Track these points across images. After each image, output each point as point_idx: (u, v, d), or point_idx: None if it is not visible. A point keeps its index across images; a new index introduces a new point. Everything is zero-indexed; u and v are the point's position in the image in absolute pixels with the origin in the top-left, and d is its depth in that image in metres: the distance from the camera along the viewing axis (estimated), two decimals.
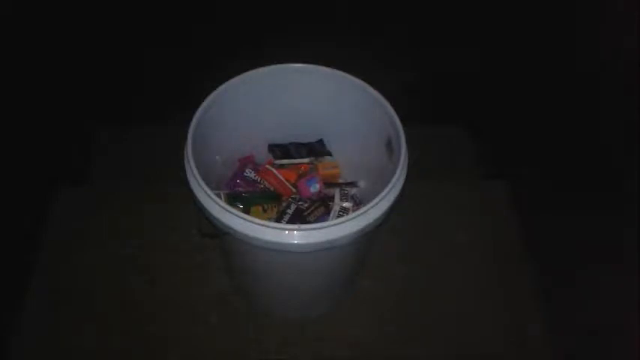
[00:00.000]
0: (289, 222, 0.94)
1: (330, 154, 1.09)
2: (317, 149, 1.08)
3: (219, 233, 0.83)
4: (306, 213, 0.96)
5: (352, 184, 1.05)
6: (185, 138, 0.83)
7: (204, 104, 0.88)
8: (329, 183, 1.05)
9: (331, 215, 0.97)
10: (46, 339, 1.07)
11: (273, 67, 0.94)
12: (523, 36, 1.52)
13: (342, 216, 0.94)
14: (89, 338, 1.07)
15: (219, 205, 0.76)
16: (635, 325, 0.93)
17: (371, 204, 0.77)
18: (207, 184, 0.79)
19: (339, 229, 0.75)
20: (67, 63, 1.49)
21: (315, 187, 1.02)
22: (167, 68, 1.55)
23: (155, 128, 1.41)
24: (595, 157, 1.22)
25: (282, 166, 1.07)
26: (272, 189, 1.03)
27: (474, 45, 1.61)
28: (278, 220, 0.95)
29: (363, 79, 0.92)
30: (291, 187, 1.04)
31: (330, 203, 0.99)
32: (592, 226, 1.15)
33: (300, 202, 0.99)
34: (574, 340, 1.09)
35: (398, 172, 0.81)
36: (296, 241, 0.75)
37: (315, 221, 0.95)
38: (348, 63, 0.96)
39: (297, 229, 0.75)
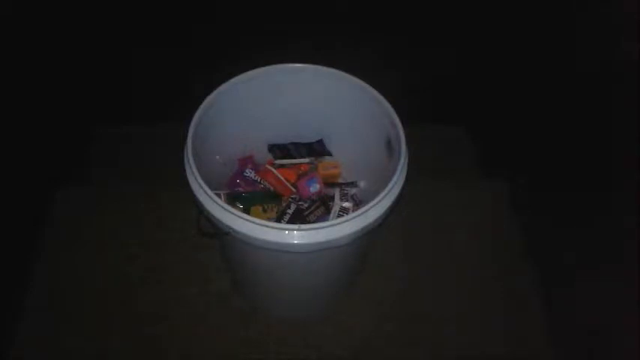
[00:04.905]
0: (289, 222, 0.94)
1: (330, 154, 1.09)
2: (317, 149, 1.08)
3: (219, 233, 0.83)
4: (306, 213, 0.96)
5: (352, 184, 1.05)
6: (185, 138, 0.83)
7: (204, 104, 0.88)
8: (329, 183, 1.05)
9: (331, 215, 0.97)
10: (46, 339, 1.07)
11: (273, 67, 0.94)
12: (523, 38, 1.52)
13: (342, 216, 0.94)
14: (89, 338, 1.07)
15: (220, 205, 0.76)
16: (635, 325, 0.93)
17: (371, 204, 0.77)
18: (207, 184, 0.79)
19: (339, 229, 0.75)
20: (67, 63, 1.50)
21: (315, 187, 1.02)
22: (167, 68, 1.55)
23: (155, 128, 1.41)
24: (595, 157, 1.22)
25: (282, 166, 1.07)
26: (272, 189, 1.03)
27: (475, 46, 1.62)
28: (278, 220, 0.95)
29: (363, 79, 0.92)
30: (291, 187, 1.04)
31: (330, 203, 0.99)
32: (592, 227, 1.16)
33: (300, 202, 0.99)
34: (574, 340, 1.09)
35: (398, 172, 0.81)
36: (296, 241, 0.75)
37: (315, 221, 0.94)
38: (348, 63, 0.96)
39: (297, 229, 0.75)
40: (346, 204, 0.98)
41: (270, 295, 1.08)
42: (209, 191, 0.77)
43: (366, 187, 1.04)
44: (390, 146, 0.90)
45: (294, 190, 1.04)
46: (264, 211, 0.98)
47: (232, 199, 0.96)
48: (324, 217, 0.97)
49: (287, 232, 0.75)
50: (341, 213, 0.96)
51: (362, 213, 0.77)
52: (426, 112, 1.45)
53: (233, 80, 0.92)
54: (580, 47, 1.29)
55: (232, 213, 0.75)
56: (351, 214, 0.77)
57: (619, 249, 1.08)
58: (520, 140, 1.43)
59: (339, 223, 0.75)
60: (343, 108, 0.98)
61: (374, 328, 1.11)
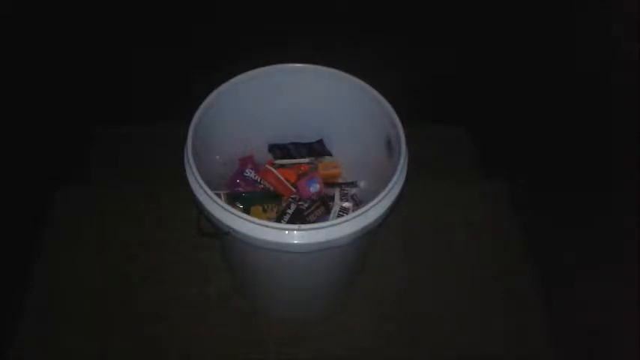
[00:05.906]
0: (289, 222, 0.94)
1: (330, 154, 1.09)
2: (317, 149, 1.08)
3: (219, 233, 0.83)
4: (306, 213, 0.96)
5: (352, 184, 1.05)
6: (185, 138, 0.83)
7: (204, 104, 0.88)
8: (329, 183, 1.05)
9: (331, 215, 0.97)
10: (46, 339, 1.07)
11: (272, 67, 0.94)
12: (523, 38, 1.52)
13: (342, 216, 0.94)
14: (89, 338, 1.07)
15: (220, 205, 0.76)
16: (635, 325, 0.93)
17: (371, 204, 0.77)
18: (207, 184, 0.79)
19: (339, 229, 0.75)
20: (67, 63, 1.49)
21: (315, 187, 1.02)
22: (167, 68, 1.55)
23: (155, 128, 1.41)
24: (595, 157, 1.22)
25: (282, 166, 1.07)
26: (272, 189, 1.03)
27: (475, 46, 1.62)
28: (278, 220, 0.95)
29: (363, 79, 0.92)
30: (291, 187, 1.04)
31: (330, 203, 0.99)
32: (592, 227, 1.15)
33: (300, 202, 0.99)
34: (574, 340, 1.09)
35: (398, 172, 0.81)
36: (296, 241, 0.75)
37: (315, 221, 0.95)
38: (348, 63, 0.96)
39: (297, 229, 0.75)
40: (346, 204, 0.98)
41: (270, 295, 1.08)
42: (209, 191, 0.77)
43: (366, 187, 1.04)
44: (390, 146, 0.90)
45: (294, 190, 1.04)
46: (264, 211, 0.98)
47: (232, 199, 0.96)
48: (324, 217, 0.97)
49: (287, 232, 0.75)
50: (341, 213, 0.96)
51: (362, 213, 0.77)
52: (426, 112, 1.45)
53: (233, 80, 0.92)
54: (580, 47, 1.29)
55: (232, 213, 0.75)
56: (351, 214, 0.77)
57: (619, 249, 1.08)
58: (520, 140, 1.43)
59: (339, 223, 0.75)
60: (343, 108, 0.98)
61: (374, 328, 1.11)
